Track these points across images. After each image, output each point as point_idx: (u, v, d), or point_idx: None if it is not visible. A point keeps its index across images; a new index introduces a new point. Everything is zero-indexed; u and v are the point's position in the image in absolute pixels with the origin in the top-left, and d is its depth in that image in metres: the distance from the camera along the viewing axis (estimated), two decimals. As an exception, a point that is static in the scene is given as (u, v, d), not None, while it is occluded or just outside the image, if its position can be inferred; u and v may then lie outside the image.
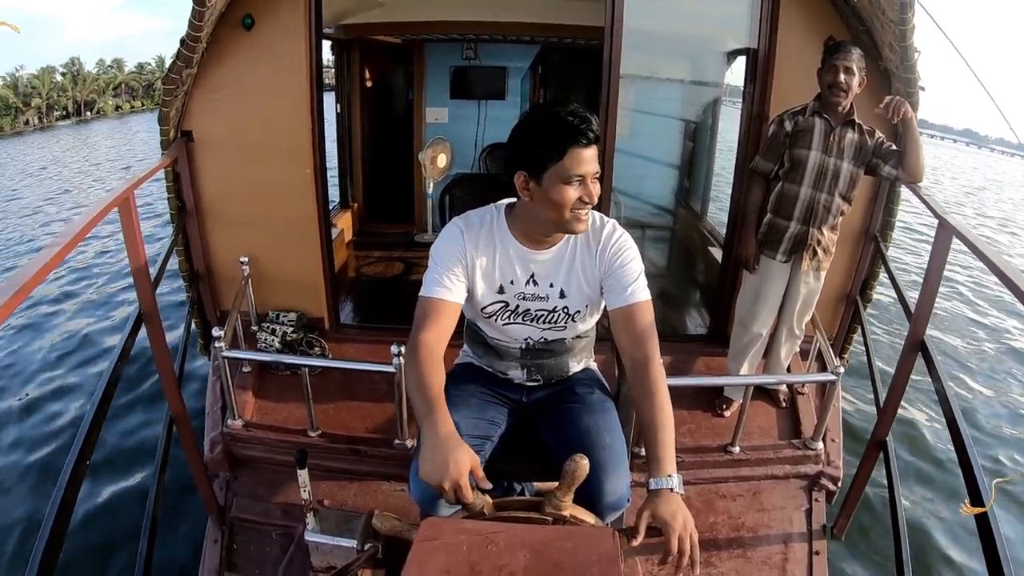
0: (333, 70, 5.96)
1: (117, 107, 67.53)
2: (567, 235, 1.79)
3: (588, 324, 1.96)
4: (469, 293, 1.82)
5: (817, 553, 2.57)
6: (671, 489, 1.44)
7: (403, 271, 5.24)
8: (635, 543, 1.41)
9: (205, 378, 3.27)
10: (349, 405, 3.07)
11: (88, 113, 63.30)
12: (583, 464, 1.36)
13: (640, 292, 1.75)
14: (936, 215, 2.30)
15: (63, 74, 63.03)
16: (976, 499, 1.78)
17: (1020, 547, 3.80)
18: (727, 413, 3.10)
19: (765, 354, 3.23)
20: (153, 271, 2.54)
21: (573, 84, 5.64)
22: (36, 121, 55.82)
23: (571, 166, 1.59)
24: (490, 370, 2.07)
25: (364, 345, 3.62)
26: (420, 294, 1.75)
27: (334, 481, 2.77)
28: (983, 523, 1.73)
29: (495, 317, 1.88)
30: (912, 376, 2.50)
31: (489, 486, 1.43)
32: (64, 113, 60.75)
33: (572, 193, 1.61)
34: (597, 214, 1.84)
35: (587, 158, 1.59)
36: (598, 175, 1.64)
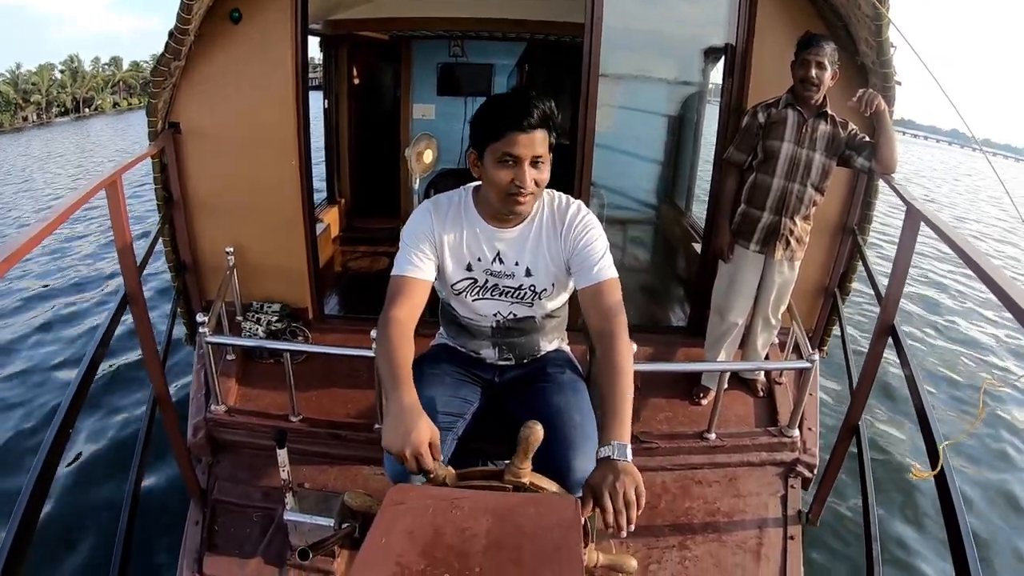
0: (321, 68, 5.98)
1: (115, 104, 67.58)
2: (532, 214, 1.84)
3: (556, 303, 1.99)
4: (439, 271, 1.87)
5: (792, 538, 2.60)
6: (608, 457, 1.45)
7: (388, 265, 5.22)
8: (586, 514, 1.43)
9: (190, 369, 3.30)
10: (331, 392, 3.10)
11: (87, 110, 63.39)
12: (537, 430, 1.39)
13: (607, 270, 1.77)
14: (904, 201, 2.33)
15: (62, 71, 63.05)
16: (942, 483, 1.83)
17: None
18: (704, 401, 3.14)
19: (742, 344, 3.28)
20: (139, 256, 2.57)
21: (559, 81, 5.65)
22: (35, 118, 55.75)
23: (503, 147, 1.62)
24: (463, 350, 2.11)
25: (347, 335, 3.65)
26: (392, 273, 1.79)
27: (315, 465, 2.80)
28: (943, 489, 1.79)
29: (465, 293, 1.92)
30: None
31: (440, 457, 1.46)
32: (63, 110, 60.64)
33: (504, 175, 1.65)
34: (563, 196, 1.88)
35: (522, 141, 1.61)
36: (539, 160, 1.66)
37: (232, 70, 3.23)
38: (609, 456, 1.45)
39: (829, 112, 2.77)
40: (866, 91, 2.60)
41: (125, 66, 73.96)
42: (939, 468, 1.81)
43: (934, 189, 24.08)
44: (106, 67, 71.44)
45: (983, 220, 17.50)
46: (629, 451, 1.46)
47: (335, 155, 6.16)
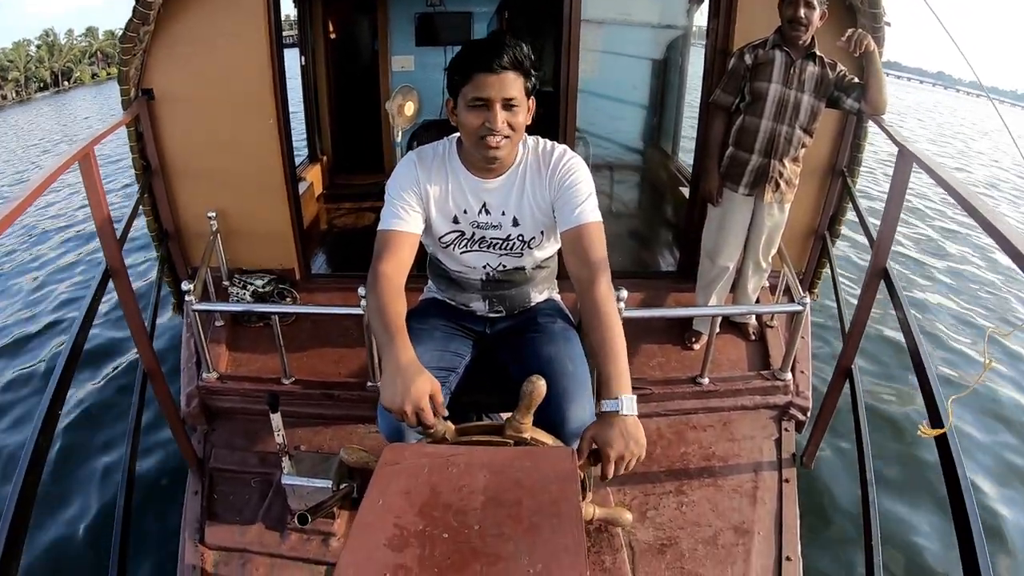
0: (296, 24, 5.86)
1: (94, 75, 66.57)
2: (516, 162, 1.80)
3: (546, 252, 1.97)
4: (426, 224, 1.84)
5: (787, 481, 2.62)
6: (617, 412, 1.44)
7: (374, 221, 5.16)
8: (579, 463, 1.43)
9: (179, 337, 3.27)
10: (321, 352, 3.09)
11: (66, 83, 62.65)
12: (540, 385, 1.38)
13: (589, 213, 1.74)
14: (896, 143, 2.31)
15: (38, 46, 61.97)
16: (937, 424, 1.82)
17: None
18: (696, 346, 3.14)
19: (733, 288, 3.27)
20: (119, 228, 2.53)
21: (540, 26, 5.53)
22: (14, 95, 54.96)
23: (473, 90, 1.60)
24: (453, 303, 2.09)
25: (335, 293, 3.64)
26: (378, 228, 1.76)
27: (309, 427, 2.80)
28: (942, 444, 1.77)
29: (452, 246, 1.90)
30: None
31: (446, 413, 1.45)
32: (42, 84, 59.68)
33: (474, 118, 1.63)
34: (549, 141, 1.85)
35: (491, 83, 1.59)
36: (512, 103, 1.63)
37: (203, 32, 3.13)
38: (617, 411, 1.44)
39: (817, 53, 2.72)
40: (856, 30, 2.55)
41: (100, 36, 72.47)
42: (948, 426, 1.77)
43: (897, 121, 24.40)
44: (81, 39, 70.30)
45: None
46: (635, 403, 1.46)
47: (315, 112, 6.05)
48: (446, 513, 1.16)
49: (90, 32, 72.00)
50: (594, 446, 1.43)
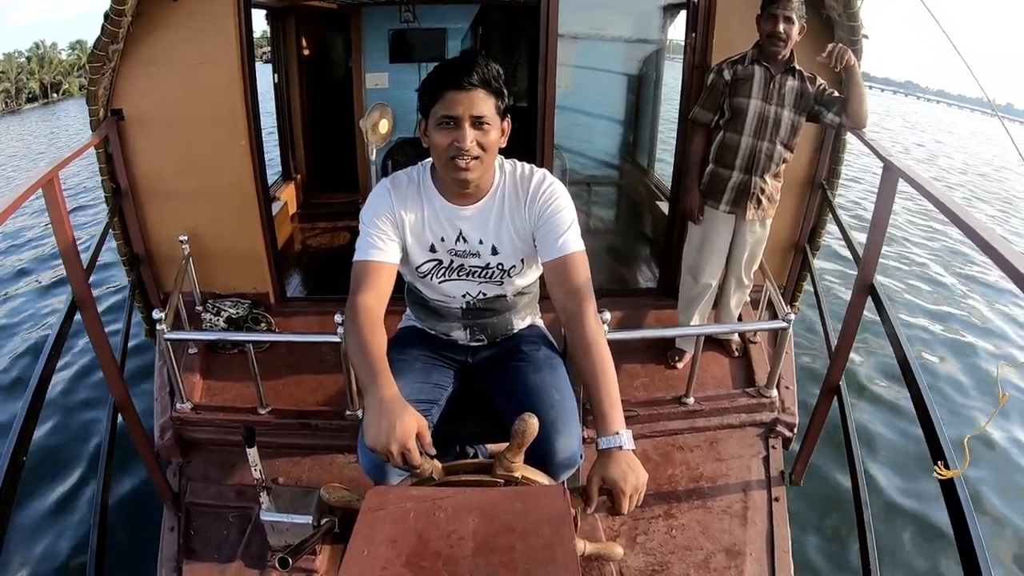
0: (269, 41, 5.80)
1: (81, 87, 66.42)
2: (493, 188, 1.75)
3: (527, 279, 1.92)
4: (403, 253, 1.78)
5: (776, 499, 2.60)
6: (620, 447, 1.41)
7: (349, 240, 5.11)
8: (590, 510, 1.39)
9: (151, 364, 3.17)
10: (298, 379, 3.01)
11: (55, 95, 62.75)
12: (532, 423, 1.33)
13: (572, 243, 1.70)
14: (881, 158, 2.29)
15: (28, 58, 62.05)
16: (932, 440, 1.78)
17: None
18: (680, 365, 3.11)
19: (715, 305, 3.25)
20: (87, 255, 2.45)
21: (515, 43, 5.52)
22: (3, 106, 55.15)
23: (442, 108, 1.56)
24: (433, 332, 2.03)
25: (311, 317, 3.56)
26: (354, 259, 1.70)
27: (287, 457, 2.73)
28: (948, 488, 1.72)
29: (430, 276, 1.84)
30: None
31: (434, 452, 1.39)
32: (31, 96, 60.03)
33: (443, 137, 1.58)
34: (526, 165, 1.80)
35: (460, 100, 1.54)
36: (482, 121, 1.58)
37: (174, 50, 3.05)
38: (620, 446, 1.41)
39: (797, 67, 2.71)
40: (836, 45, 2.54)
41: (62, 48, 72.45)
42: (963, 469, 1.69)
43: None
44: (67, 51, 70.13)
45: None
46: (632, 437, 1.45)
47: (288, 130, 5.98)
48: (435, 562, 1.10)
49: (79, 45, 71.67)
50: (602, 485, 1.39)
